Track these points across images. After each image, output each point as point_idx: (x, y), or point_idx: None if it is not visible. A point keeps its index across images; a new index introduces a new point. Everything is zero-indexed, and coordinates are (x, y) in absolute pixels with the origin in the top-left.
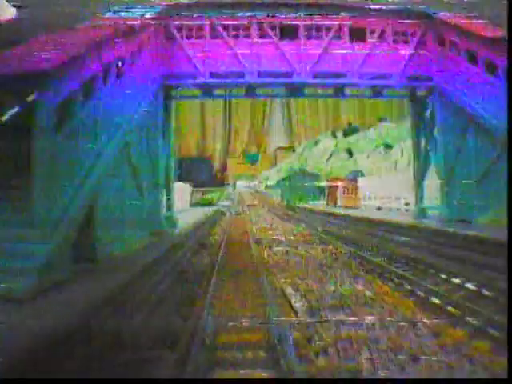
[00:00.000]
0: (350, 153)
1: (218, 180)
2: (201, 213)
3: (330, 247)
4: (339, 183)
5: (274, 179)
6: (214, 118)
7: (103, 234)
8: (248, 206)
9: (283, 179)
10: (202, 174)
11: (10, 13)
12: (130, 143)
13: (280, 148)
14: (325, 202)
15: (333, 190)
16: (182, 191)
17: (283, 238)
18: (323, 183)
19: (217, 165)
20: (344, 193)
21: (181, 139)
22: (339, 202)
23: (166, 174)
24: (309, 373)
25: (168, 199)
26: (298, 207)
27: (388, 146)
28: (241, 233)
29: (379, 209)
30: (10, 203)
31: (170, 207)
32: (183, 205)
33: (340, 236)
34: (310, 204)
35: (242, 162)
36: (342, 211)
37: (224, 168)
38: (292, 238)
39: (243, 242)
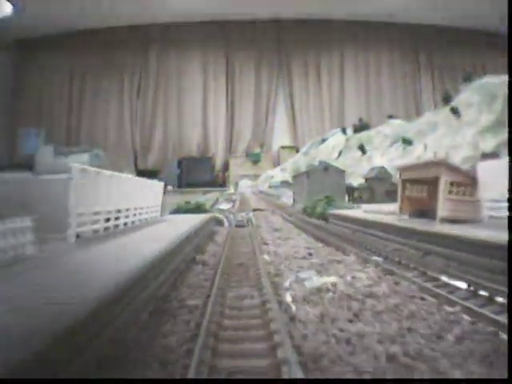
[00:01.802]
0: (363, 150)
1: (219, 180)
2: (176, 229)
3: None
4: (442, 174)
5: (278, 178)
6: (215, 116)
7: None
8: (254, 210)
9: (295, 176)
10: (204, 173)
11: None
12: None
13: (283, 147)
14: (364, 207)
15: (417, 187)
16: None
17: None
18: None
19: (218, 164)
20: (452, 192)
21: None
22: (442, 212)
23: None
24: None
25: None
26: (332, 215)
27: (407, 142)
28: (249, 318)
29: None
30: None
31: None
32: (158, 212)
33: None
34: (343, 210)
35: (244, 161)
36: (453, 229)
37: (225, 167)
38: None
39: None
